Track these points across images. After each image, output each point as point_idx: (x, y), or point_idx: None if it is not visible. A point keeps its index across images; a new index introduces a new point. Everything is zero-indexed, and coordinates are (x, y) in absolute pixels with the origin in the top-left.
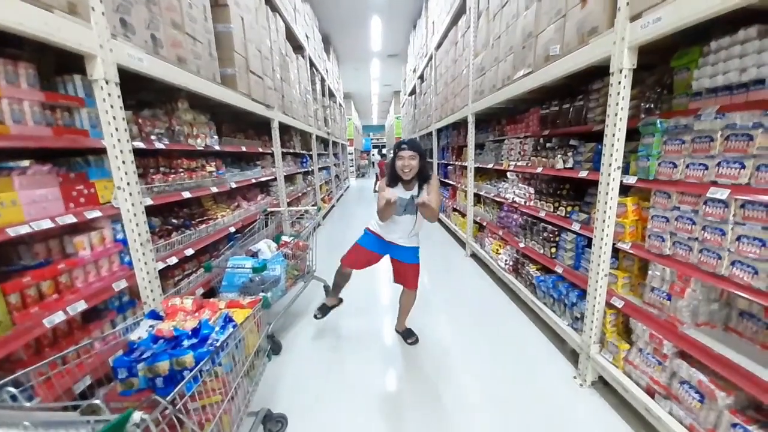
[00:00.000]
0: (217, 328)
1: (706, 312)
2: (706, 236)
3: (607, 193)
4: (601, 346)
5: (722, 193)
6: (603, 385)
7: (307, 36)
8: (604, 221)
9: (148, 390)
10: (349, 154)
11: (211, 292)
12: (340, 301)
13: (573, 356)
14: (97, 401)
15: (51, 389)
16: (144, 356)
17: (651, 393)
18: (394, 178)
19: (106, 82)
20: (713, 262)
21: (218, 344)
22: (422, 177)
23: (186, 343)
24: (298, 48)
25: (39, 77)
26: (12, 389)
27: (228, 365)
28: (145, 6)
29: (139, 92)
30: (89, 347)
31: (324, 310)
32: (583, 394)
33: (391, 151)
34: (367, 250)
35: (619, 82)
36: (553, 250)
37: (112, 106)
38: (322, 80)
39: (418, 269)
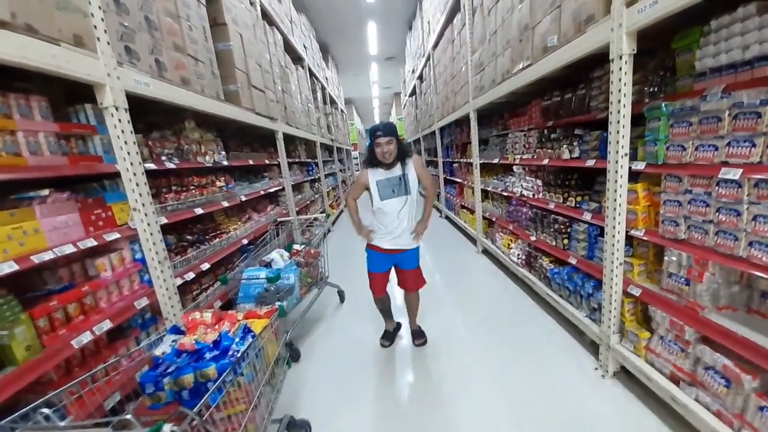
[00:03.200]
0: (237, 339)
1: (726, 295)
2: (721, 218)
3: (616, 181)
4: (621, 335)
5: (734, 173)
6: (626, 375)
7: (305, 46)
8: (615, 209)
9: (176, 403)
10: (354, 158)
11: (228, 304)
12: (398, 324)
13: (593, 347)
14: (128, 416)
15: (83, 407)
16: (169, 370)
17: (675, 381)
18: (373, 163)
19: (116, 109)
20: (730, 244)
21: (239, 355)
22: (401, 156)
23: (208, 355)
24: (297, 59)
25: (51, 108)
26: (45, 410)
27: (249, 375)
28: (147, 32)
29: (148, 115)
30: (116, 364)
31: (389, 337)
32: (606, 386)
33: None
34: (377, 274)
35: (620, 69)
36: (566, 241)
37: (123, 132)
38: (323, 88)
39: (418, 273)
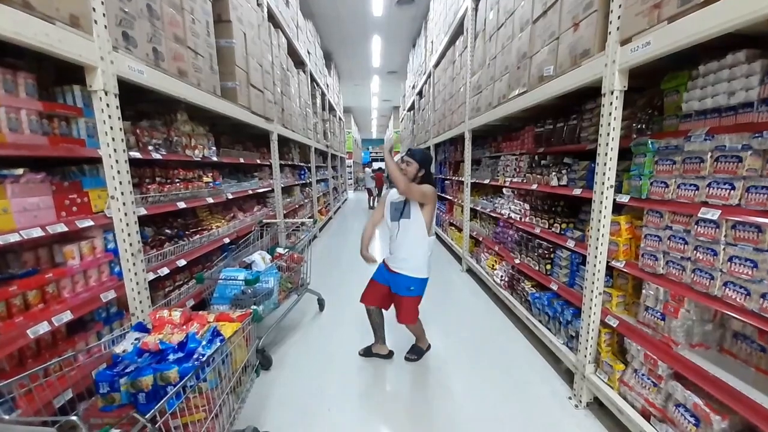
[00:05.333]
0: (204, 342)
1: (700, 333)
2: (699, 256)
3: (600, 211)
4: (597, 365)
5: (713, 214)
6: (598, 406)
7: (308, 52)
8: (597, 239)
9: (130, 406)
10: (348, 167)
11: (202, 304)
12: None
13: (568, 375)
14: (75, 418)
15: (32, 402)
16: (127, 370)
17: (647, 415)
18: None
19: (105, 93)
20: (706, 282)
21: (204, 359)
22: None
23: (171, 357)
24: (299, 63)
25: (39, 87)
26: None
27: (213, 381)
28: (148, 21)
29: (140, 103)
30: (72, 360)
31: (367, 352)
32: (579, 416)
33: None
34: (374, 281)
35: (611, 103)
36: (548, 266)
37: (110, 117)
38: (323, 95)
39: (409, 303)
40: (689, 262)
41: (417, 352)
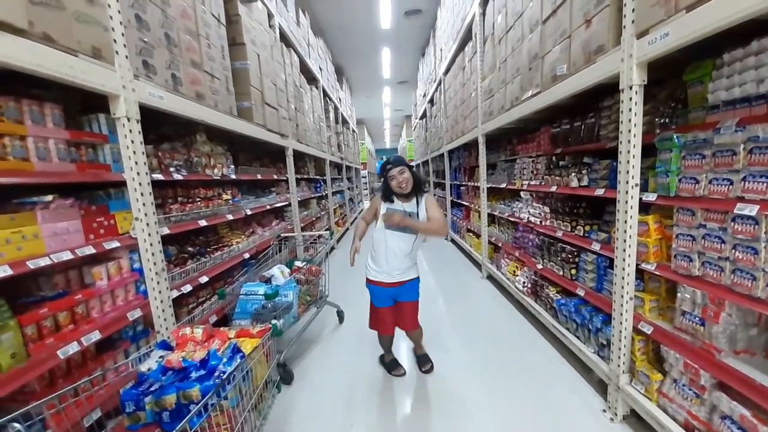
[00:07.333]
0: (224, 360)
1: (744, 338)
2: (738, 255)
3: (626, 212)
4: (632, 376)
5: (751, 209)
6: (636, 419)
7: (320, 68)
8: (625, 241)
9: (155, 425)
10: (363, 177)
11: (224, 320)
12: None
13: (601, 386)
14: None
15: (61, 423)
16: (152, 389)
17: (690, 429)
18: (389, 196)
19: (128, 120)
20: (748, 283)
21: (224, 377)
22: (417, 187)
23: (194, 375)
24: (311, 80)
25: (66, 115)
26: (17, 425)
27: (234, 399)
28: (166, 48)
29: (161, 126)
30: (100, 379)
31: (384, 361)
32: (615, 430)
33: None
34: (382, 308)
35: (631, 99)
36: (573, 271)
37: (132, 142)
38: (336, 108)
39: (416, 307)
40: (728, 262)
41: (428, 359)
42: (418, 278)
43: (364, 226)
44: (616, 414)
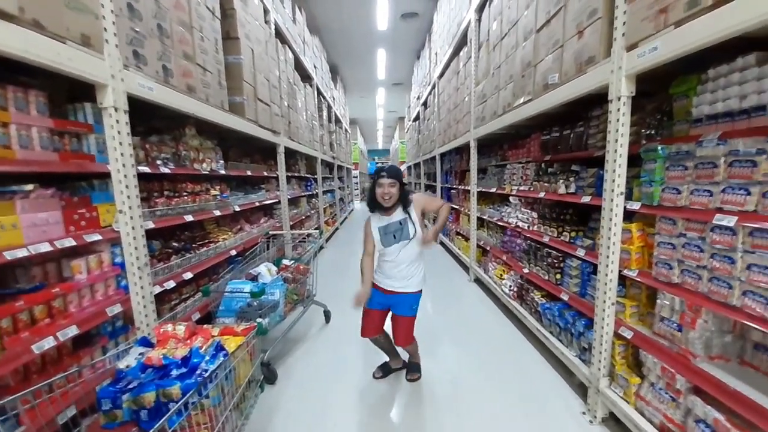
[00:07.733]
0: (207, 357)
1: (719, 344)
2: (715, 264)
3: (611, 219)
4: (611, 379)
5: (729, 220)
6: (614, 422)
7: (315, 66)
8: (609, 247)
9: (132, 423)
10: (354, 177)
11: (208, 318)
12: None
13: (581, 389)
14: None
15: (34, 419)
16: (130, 386)
17: None
18: (373, 205)
19: (115, 110)
20: (724, 291)
21: (206, 375)
22: (403, 202)
23: (175, 372)
24: (306, 77)
25: (51, 104)
26: None
27: (216, 398)
28: (158, 39)
29: (150, 119)
30: (76, 375)
31: (385, 370)
32: None
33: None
34: (371, 310)
35: (618, 110)
36: (558, 276)
37: (119, 132)
38: (329, 107)
39: (411, 323)
40: (706, 271)
41: (417, 369)
42: (419, 293)
43: (370, 262)
44: (595, 416)
